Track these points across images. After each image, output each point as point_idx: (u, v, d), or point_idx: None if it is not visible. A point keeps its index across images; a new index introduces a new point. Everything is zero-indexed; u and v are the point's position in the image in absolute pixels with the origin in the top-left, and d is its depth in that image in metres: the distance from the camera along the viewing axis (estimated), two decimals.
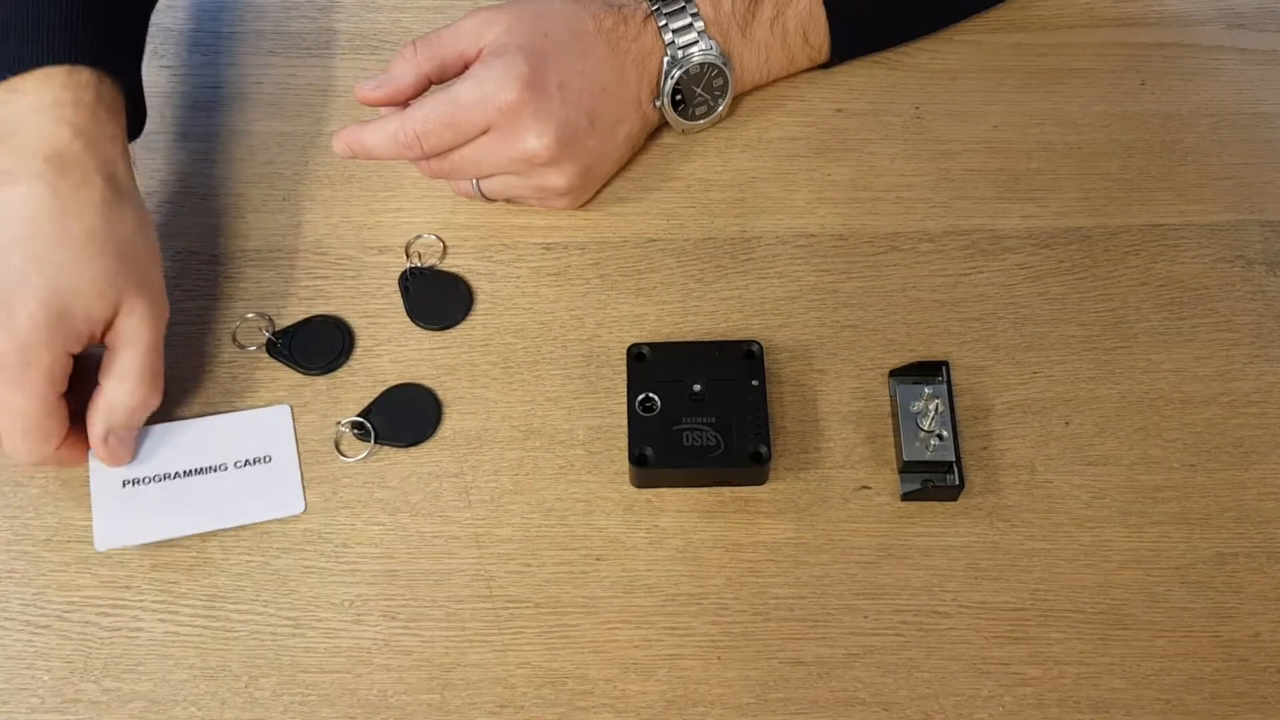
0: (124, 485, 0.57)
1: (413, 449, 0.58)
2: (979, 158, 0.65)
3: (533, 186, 0.62)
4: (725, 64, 0.62)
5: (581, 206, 0.64)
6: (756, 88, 0.67)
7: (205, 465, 0.58)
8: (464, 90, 0.57)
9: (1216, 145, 0.65)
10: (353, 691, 0.53)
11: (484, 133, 0.58)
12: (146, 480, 0.57)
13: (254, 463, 0.58)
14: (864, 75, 0.68)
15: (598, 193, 0.65)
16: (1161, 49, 0.69)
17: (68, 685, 0.53)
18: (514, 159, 0.59)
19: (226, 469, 0.58)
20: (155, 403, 0.56)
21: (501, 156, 0.59)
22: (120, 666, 0.54)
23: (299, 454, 0.58)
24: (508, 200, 0.64)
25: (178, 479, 0.57)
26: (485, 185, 0.62)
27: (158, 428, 0.58)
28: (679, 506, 0.57)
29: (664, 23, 0.61)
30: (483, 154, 0.59)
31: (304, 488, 0.57)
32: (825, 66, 0.68)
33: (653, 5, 0.62)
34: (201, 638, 0.54)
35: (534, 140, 0.58)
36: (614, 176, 0.65)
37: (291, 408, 0.59)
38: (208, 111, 0.69)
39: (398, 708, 0.52)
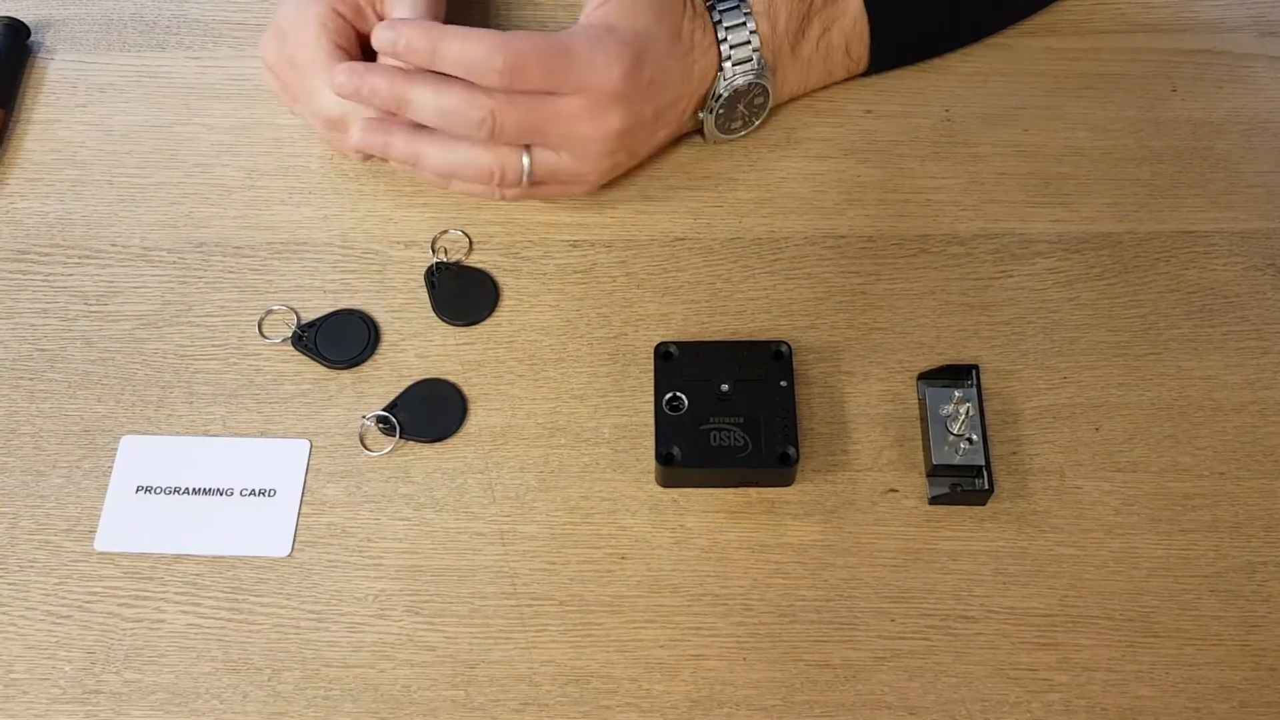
0: (137, 490, 0.57)
1: (437, 444, 0.58)
2: (1009, 161, 0.65)
3: (578, 171, 0.60)
4: (769, 83, 0.62)
5: (607, 208, 0.64)
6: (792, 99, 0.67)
7: (213, 487, 0.57)
8: (575, 47, 0.56)
9: (1248, 153, 0.65)
10: (376, 686, 0.52)
11: (559, 95, 0.57)
12: (158, 490, 0.57)
13: (258, 494, 0.57)
14: (894, 77, 0.68)
15: (616, 188, 0.65)
16: (1193, 55, 0.69)
17: (89, 676, 0.53)
18: (571, 133, 0.58)
19: (232, 494, 0.57)
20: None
21: (557, 123, 0.57)
22: (142, 658, 0.53)
23: (303, 494, 0.57)
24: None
25: (185, 495, 0.57)
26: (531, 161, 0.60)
27: (183, 440, 0.58)
28: (705, 507, 0.56)
29: (723, 36, 0.60)
30: (547, 117, 0.57)
31: (296, 531, 0.56)
32: (861, 76, 0.67)
33: (715, 17, 0.61)
34: (224, 630, 0.54)
35: (616, 121, 0.58)
36: (641, 175, 0.65)
37: (311, 443, 0.58)
38: (234, 103, 0.69)
39: (421, 703, 0.52)
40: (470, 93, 0.56)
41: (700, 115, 0.63)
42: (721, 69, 0.61)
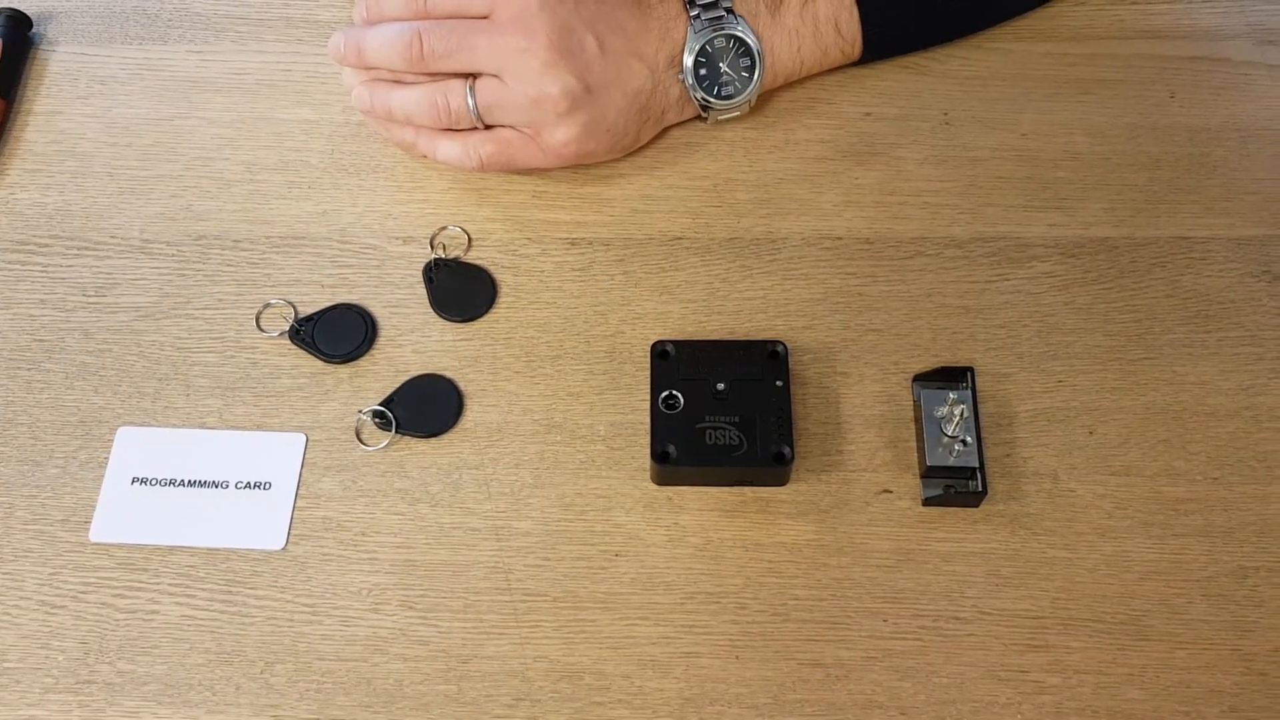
0: (132, 482, 0.57)
1: (433, 440, 0.58)
2: (1007, 165, 0.65)
3: (529, 97, 0.60)
4: (752, 41, 0.62)
5: (606, 206, 0.64)
6: (790, 82, 0.67)
7: (209, 479, 0.57)
8: None
9: (1245, 160, 0.65)
10: (369, 680, 0.53)
11: (480, 11, 0.60)
12: (153, 482, 0.57)
13: (253, 487, 0.57)
14: (893, 79, 0.68)
15: (615, 187, 0.65)
16: (1191, 62, 0.69)
17: (82, 666, 0.53)
18: (500, 46, 0.59)
19: (227, 487, 0.57)
20: None
21: (481, 36, 0.59)
22: (135, 649, 0.53)
23: (298, 488, 0.57)
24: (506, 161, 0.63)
25: (181, 487, 0.57)
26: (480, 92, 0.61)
27: (179, 432, 0.58)
28: (699, 505, 0.56)
29: None
30: (471, 29, 0.60)
31: (290, 524, 0.56)
32: (859, 64, 0.67)
33: None
34: (218, 622, 0.54)
35: (542, 25, 0.59)
36: (640, 175, 0.65)
37: (307, 437, 0.58)
38: (235, 97, 0.69)
39: (413, 698, 0.52)
40: (400, 25, 0.61)
41: (680, 77, 0.63)
42: (691, 23, 0.62)
